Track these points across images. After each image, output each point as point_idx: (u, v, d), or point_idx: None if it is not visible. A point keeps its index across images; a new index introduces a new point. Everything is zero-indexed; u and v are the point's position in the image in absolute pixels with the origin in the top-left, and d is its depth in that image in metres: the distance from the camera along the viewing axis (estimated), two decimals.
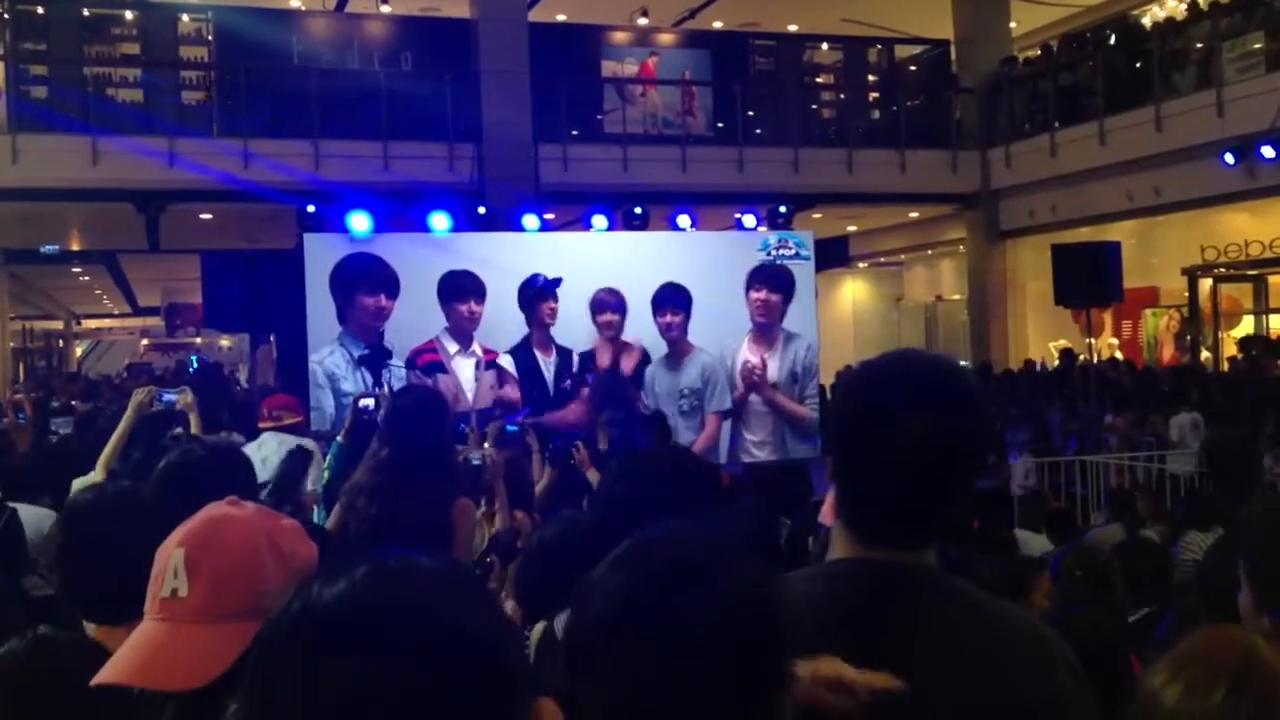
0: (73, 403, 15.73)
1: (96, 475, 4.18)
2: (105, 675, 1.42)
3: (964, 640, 1.51)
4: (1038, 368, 15.70)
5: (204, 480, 2.54)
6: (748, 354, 9.64)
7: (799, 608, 1.50)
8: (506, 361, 9.08)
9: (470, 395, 8.93)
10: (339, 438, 5.49)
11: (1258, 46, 12.30)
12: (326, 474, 5.33)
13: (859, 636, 1.49)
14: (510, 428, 4.72)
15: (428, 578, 1.00)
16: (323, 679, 0.90)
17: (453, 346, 8.97)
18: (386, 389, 8.12)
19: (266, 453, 5.69)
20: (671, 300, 9.37)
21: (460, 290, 8.92)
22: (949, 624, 1.52)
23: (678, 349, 9.54)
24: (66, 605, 2.27)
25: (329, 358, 8.72)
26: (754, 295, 9.63)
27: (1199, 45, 13.43)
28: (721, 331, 9.65)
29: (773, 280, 9.67)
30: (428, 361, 8.85)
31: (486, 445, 5.28)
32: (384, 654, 0.91)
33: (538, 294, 9.08)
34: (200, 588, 1.44)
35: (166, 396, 4.84)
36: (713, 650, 1.18)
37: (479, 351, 9.05)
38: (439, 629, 0.94)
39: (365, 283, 8.84)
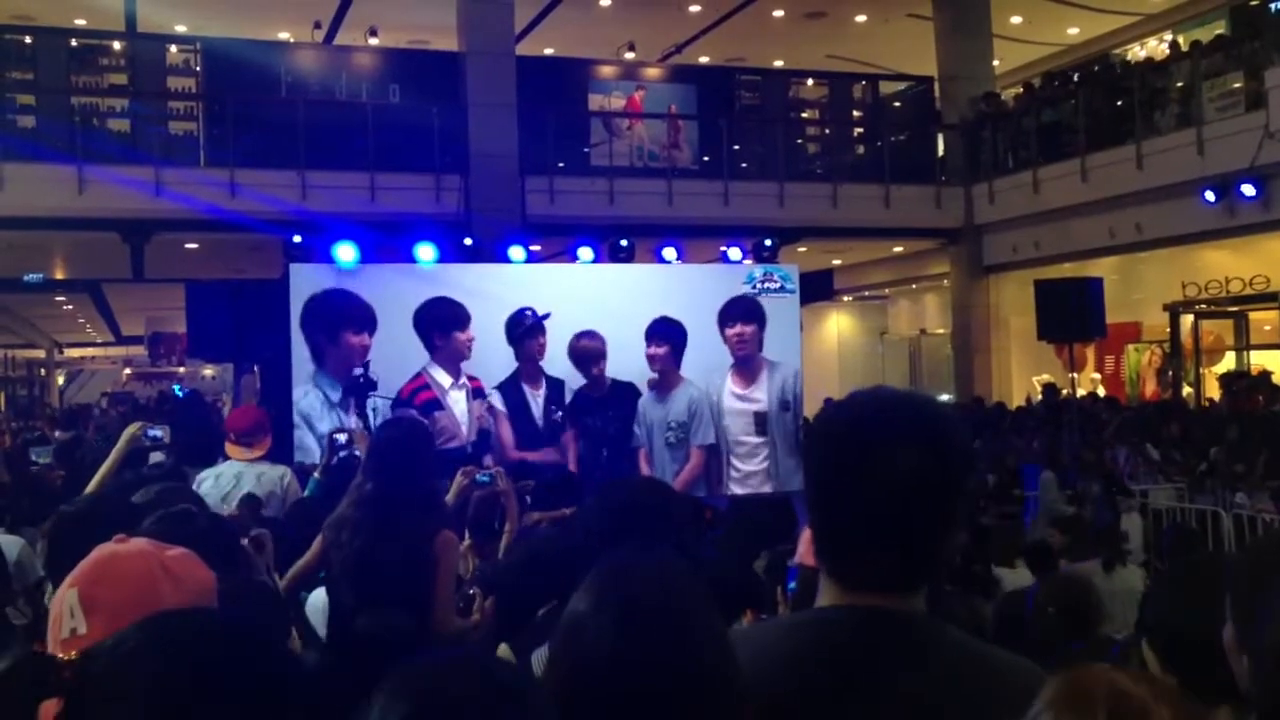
0: (55, 433, 15.65)
1: None
2: None
3: (963, 695, 1.46)
4: (1026, 402, 15.76)
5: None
6: (734, 388, 9.67)
7: (783, 659, 1.49)
8: (496, 399, 9.05)
9: (465, 429, 8.92)
10: (316, 474, 5.48)
11: (1237, 86, 12.45)
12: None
13: (851, 691, 1.45)
14: (481, 478, 4.69)
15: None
16: None
17: (445, 380, 8.93)
18: (370, 420, 8.08)
19: (246, 486, 5.64)
20: (658, 332, 9.40)
21: (456, 319, 8.90)
22: (946, 678, 1.47)
23: (665, 381, 9.56)
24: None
25: (303, 399, 8.63)
26: (730, 331, 9.68)
27: (1179, 84, 13.59)
28: (708, 364, 9.68)
29: (746, 313, 9.75)
30: (424, 400, 8.78)
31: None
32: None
33: (527, 331, 9.06)
34: (99, 623, 1.41)
35: (152, 433, 4.84)
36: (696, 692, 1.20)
37: (467, 382, 9.04)
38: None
39: (353, 321, 8.76)
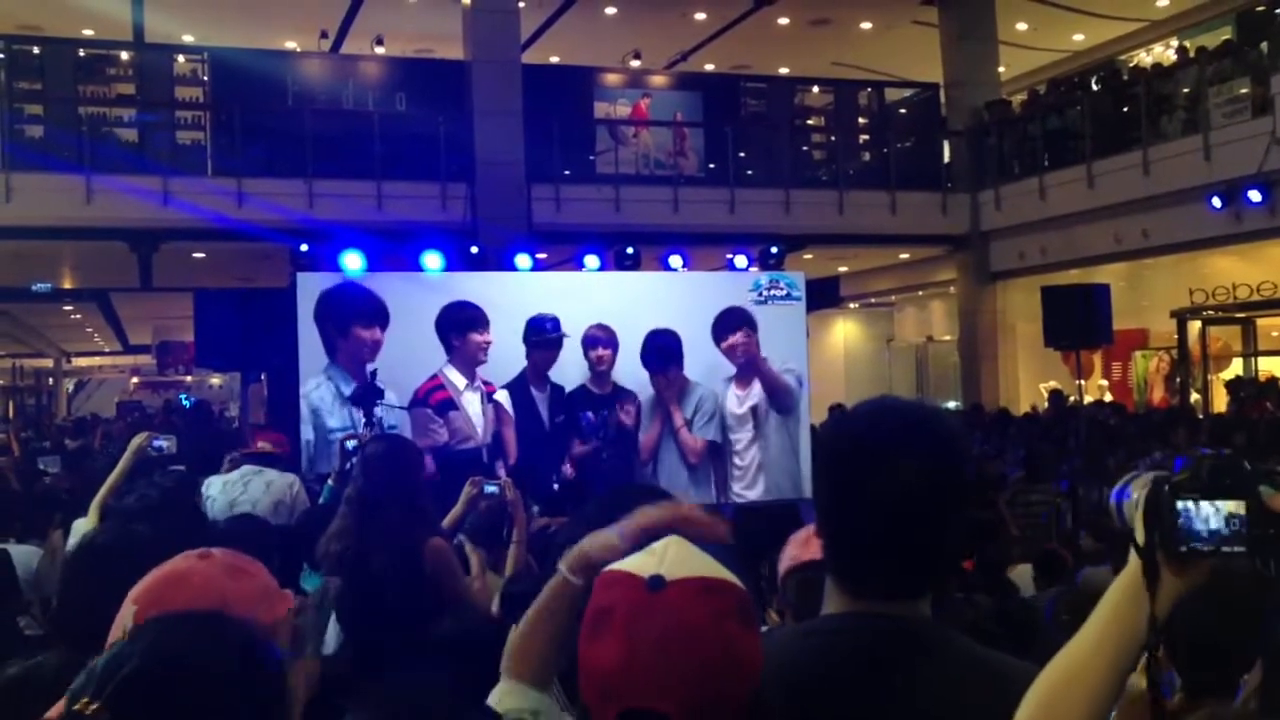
0: (65, 441, 15.68)
1: (90, 517, 4.18)
2: None
3: (968, 703, 1.46)
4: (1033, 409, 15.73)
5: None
6: (736, 391, 9.71)
7: (792, 666, 1.49)
8: (504, 397, 9.08)
9: (480, 430, 8.96)
10: (330, 480, 5.47)
11: (1244, 92, 12.43)
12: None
13: (857, 699, 1.46)
14: (489, 488, 4.67)
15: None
16: None
17: (460, 381, 8.97)
18: (378, 429, 8.09)
19: (255, 493, 5.66)
20: (659, 357, 9.42)
21: (474, 321, 8.97)
22: (952, 685, 1.47)
23: (673, 390, 9.62)
24: (60, 640, 2.26)
25: (314, 391, 8.70)
26: (727, 344, 9.71)
27: (1186, 90, 13.57)
28: (713, 371, 9.70)
29: (737, 322, 9.78)
30: (440, 400, 8.82)
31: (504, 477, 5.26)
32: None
33: (545, 344, 9.13)
34: None
35: (158, 443, 4.85)
36: None
37: (482, 385, 9.09)
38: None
39: (363, 315, 8.83)
